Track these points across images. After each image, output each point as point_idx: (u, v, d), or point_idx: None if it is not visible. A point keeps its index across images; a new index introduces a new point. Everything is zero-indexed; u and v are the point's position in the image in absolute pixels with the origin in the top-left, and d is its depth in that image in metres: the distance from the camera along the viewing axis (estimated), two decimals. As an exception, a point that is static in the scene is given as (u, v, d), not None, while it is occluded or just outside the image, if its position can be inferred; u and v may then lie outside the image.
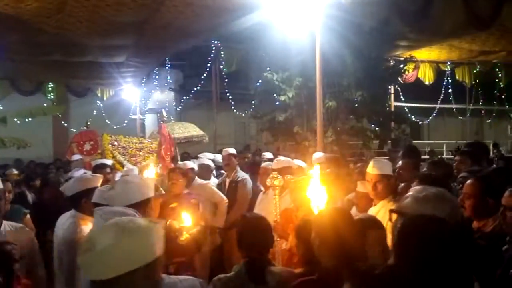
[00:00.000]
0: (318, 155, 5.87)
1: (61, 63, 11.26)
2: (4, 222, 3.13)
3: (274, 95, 10.28)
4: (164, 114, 6.88)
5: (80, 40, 9.13)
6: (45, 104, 13.66)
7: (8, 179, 5.83)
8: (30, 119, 10.99)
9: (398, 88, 14.03)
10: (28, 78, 13.57)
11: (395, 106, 14.34)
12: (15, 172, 6.01)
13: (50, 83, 14.43)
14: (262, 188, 5.23)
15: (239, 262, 2.70)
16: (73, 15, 7.59)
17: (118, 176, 5.23)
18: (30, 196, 7.02)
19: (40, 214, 4.96)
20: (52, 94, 14.62)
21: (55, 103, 14.30)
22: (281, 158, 5.07)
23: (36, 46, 9.50)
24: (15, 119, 10.22)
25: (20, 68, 11.82)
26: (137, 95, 15.95)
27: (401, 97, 15.11)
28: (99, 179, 3.46)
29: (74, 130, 12.41)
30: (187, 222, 3.65)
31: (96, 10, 7.29)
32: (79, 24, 8.01)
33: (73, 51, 10.15)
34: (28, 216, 4.95)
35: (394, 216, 1.99)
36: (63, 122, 15.62)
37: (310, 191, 2.91)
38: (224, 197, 5.66)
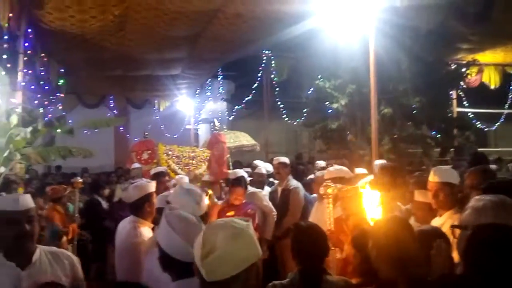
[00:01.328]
0: (379, 162, 5.74)
1: (121, 77, 11.89)
2: (41, 248, 2.47)
3: (326, 102, 10.15)
4: (217, 123, 7.03)
5: (139, 55, 9.60)
6: (108, 115, 14.38)
7: (74, 187, 6.14)
8: (94, 130, 11.55)
9: (461, 93, 13.38)
10: (92, 92, 14.41)
11: (458, 112, 13.65)
12: (80, 180, 6.37)
13: (111, 96, 15.22)
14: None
15: (293, 271, 2.66)
16: (132, 32, 7.98)
17: (172, 183, 5.42)
18: (104, 203, 7.40)
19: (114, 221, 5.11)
20: (114, 106, 15.43)
21: (117, 115, 15.02)
22: (332, 167, 5.00)
23: (99, 62, 10.09)
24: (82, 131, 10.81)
25: (85, 83, 12.61)
26: (191, 106, 16.46)
27: (465, 102, 14.38)
28: (153, 184, 3.62)
29: (135, 139, 12.90)
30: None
31: (154, 26, 7.62)
32: (138, 40, 8.42)
33: (132, 66, 10.67)
34: (64, 238, 4.97)
35: (458, 231, 1.90)
36: (123, 132, 16.37)
37: (363, 200, 2.83)
38: (273, 209, 5.62)
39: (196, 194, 2.90)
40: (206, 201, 3.08)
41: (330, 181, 3.60)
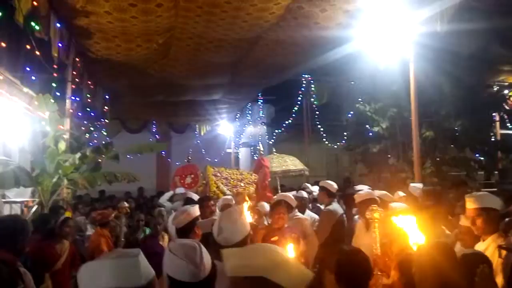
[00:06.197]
0: (415, 185, 5.67)
1: (164, 103, 12.27)
2: None
3: (367, 126, 10.11)
4: (261, 148, 7.19)
5: (181, 81, 9.90)
6: (150, 140, 14.81)
7: (120, 212, 6.35)
8: (138, 155, 11.90)
9: (504, 115, 12.96)
10: (135, 118, 14.92)
11: (502, 134, 13.20)
12: (126, 205, 6.60)
13: (154, 122, 15.70)
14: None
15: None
16: (175, 59, 8.26)
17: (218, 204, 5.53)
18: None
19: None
20: (156, 131, 15.89)
21: (159, 140, 15.44)
22: (362, 191, 5.01)
23: (142, 88, 10.47)
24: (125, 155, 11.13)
25: (129, 109, 13.07)
26: (231, 130, 16.73)
27: (508, 124, 13.87)
28: (197, 208, 3.80)
29: (177, 163, 13.11)
30: (290, 254, 3.65)
31: (196, 53, 7.88)
32: (180, 67, 8.71)
33: (175, 92, 11.01)
34: None
35: (504, 252, 1.88)
36: (165, 156, 16.76)
37: (406, 225, 2.82)
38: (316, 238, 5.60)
39: (234, 224, 2.94)
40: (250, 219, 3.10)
41: (376, 205, 3.57)
